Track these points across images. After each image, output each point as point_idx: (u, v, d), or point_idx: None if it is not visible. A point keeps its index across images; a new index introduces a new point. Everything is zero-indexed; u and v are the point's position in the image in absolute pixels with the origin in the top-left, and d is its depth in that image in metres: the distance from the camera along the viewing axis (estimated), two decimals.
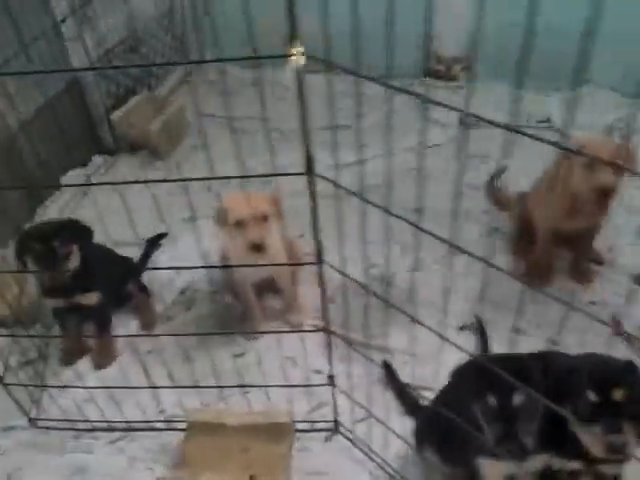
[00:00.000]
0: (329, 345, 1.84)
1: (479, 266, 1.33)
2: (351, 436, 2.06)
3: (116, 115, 3.42)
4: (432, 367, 1.73)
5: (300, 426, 2.08)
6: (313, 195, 1.44)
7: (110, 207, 3.14)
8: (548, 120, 3.60)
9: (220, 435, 1.99)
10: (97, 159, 3.48)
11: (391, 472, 1.96)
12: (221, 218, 2.24)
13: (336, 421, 2.09)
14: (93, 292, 2.26)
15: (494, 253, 2.74)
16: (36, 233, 2.13)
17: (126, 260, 2.63)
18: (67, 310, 2.31)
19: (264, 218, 2.18)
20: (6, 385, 2.06)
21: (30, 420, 2.20)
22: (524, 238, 2.63)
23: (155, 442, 2.14)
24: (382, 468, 1.97)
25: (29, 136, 2.88)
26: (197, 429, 2.02)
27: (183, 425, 2.11)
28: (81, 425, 2.18)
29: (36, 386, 2.21)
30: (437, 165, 3.29)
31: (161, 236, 2.92)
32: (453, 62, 3.92)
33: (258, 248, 2.14)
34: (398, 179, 3.33)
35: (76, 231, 2.18)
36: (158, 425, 2.17)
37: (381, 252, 1.76)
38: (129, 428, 2.16)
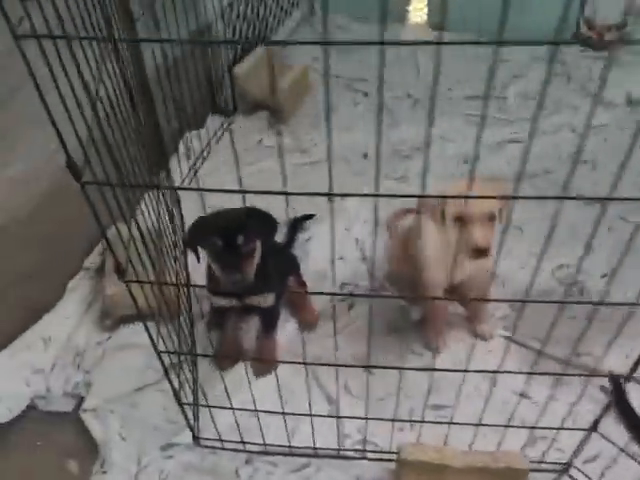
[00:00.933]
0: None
1: None
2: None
3: (240, 69, 2.97)
4: None
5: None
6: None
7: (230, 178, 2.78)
8: None
9: (439, 477, 1.67)
10: (214, 120, 3.06)
11: None
12: (433, 209, 1.86)
13: (568, 466, 1.77)
14: (271, 292, 1.90)
15: None
16: (215, 225, 1.75)
17: (286, 250, 2.27)
18: (235, 309, 1.96)
19: (492, 217, 1.79)
20: (179, 403, 1.73)
21: (194, 438, 1.88)
22: None
23: (347, 474, 1.82)
24: None
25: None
26: (410, 467, 1.70)
27: (375, 455, 1.81)
28: (254, 447, 1.86)
29: (201, 405, 1.86)
30: (602, 149, 2.89)
31: (307, 217, 2.53)
32: (606, 30, 3.45)
33: (482, 253, 1.77)
34: (555, 163, 3.01)
35: (261, 224, 1.80)
36: (348, 453, 1.85)
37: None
38: (313, 454, 1.84)
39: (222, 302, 1.91)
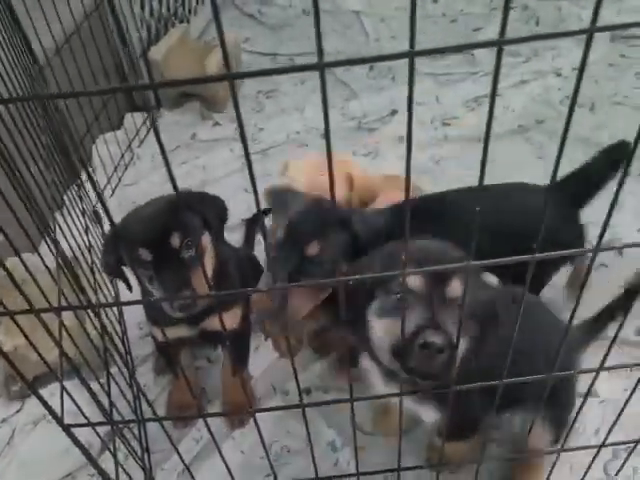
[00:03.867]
0: None
1: None
2: None
3: (156, 53, 2.42)
4: None
5: None
6: None
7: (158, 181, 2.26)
8: None
9: None
10: (133, 118, 2.48)
11: None
12: None
13: None
14: (235, 307, 1.35)
15: None
16: (135, 230, 1.20)
17: (247, 252, 1.73)
18: (187, 341, 1.40)
19: None
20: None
21: None
22: None
23: None
24: None
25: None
26: None
27: None
28: None
29: None
30: (590, 89, 2.50)
31: (263, 213, 1.99)
32: None
33: None
34: (545, 112, 2.59)
35: (203, 210, 1.26)
36: None
37: None
38: None
39: (170, 333, 1.33)
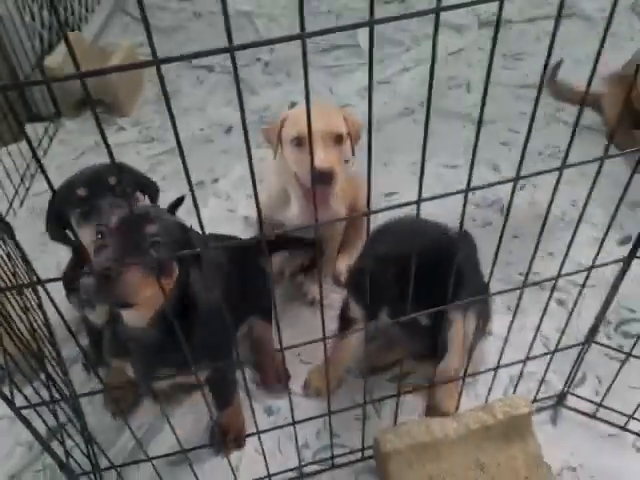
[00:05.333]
0: None
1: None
2: (586, 407, 1.50)
3: (52, 61, 2.41)
4: None
5: None
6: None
7: None
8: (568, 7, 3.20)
9: (437, 458, 1.33)
10: (33, 130, 2.46)
11: None
12: (271, 135, 1.61)
13: (563, 393, 1.51)
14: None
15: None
16: (79, 175, 1.32)
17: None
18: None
19: (338, 139, 1.54)
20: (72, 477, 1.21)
21: None
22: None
23: None
24: None
25: None
26: (396, 457, 1.33)
27: (345, 459, 1.43)
28: None
29: (104, 470, 1.33)
30: (465, 71, 2.78)
31: (179, 202, 2.05)
32: None
33: (325, 178, 1.48)
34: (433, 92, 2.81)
35: (142, 180, 1.38)
36: (311, 468, 1.44)
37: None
38: None
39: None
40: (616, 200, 1.05)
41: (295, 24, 3.07)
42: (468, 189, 0.88)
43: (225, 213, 2.13)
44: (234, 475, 1.29)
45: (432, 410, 1.53)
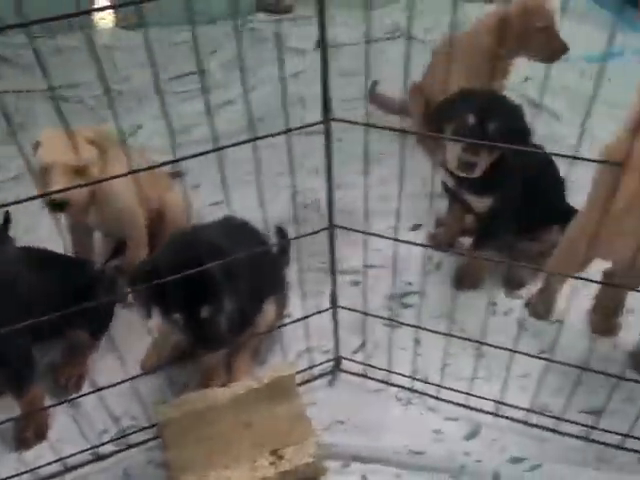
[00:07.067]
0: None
1: None
2: (357, 369, 1.71)
3: None
4: None
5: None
6: None
7: None
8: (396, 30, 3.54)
9: (209, 422, 1.50)
10: None
11: (418, 388, 1.66)
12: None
13: (337, 358, 1.72)
14: None
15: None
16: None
17: None
18: None
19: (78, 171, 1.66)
20: None
21: None
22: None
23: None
24: (408, 388, 1.66)
25: None
26: (174, 427, 1.49)
27: (139, 438, 1.58)
28: None
29: None
30: (304, 90, 3.05)
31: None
32: None
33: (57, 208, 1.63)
34: (273, 111, 3.06)
35: None
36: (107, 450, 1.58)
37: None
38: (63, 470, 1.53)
39: None
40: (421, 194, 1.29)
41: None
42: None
43: None
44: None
45: None
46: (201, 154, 1.23)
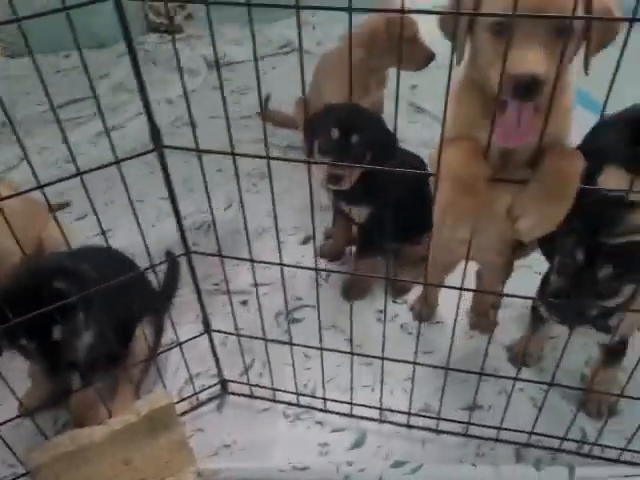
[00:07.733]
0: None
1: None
2: (245, 390, 1.70)
3: None
4: None
5: (181, 407, 1.64)
6: None
7: None
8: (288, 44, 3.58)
9: (86, 462, 1.44)
10: None
11: (305, 403, 1.66)
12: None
13: (223, 381, 1.70)
14: None
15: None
16: None
17: None
18: None
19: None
20: None
21: None
22: None
23: None
24: (295, 404, 1.66)
25: None
26: (46, 471, 1.42)
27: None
28: None
29: None
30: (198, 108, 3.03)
31: None
32: (174, 13, 3.63)
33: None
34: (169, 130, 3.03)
35: None
36: None
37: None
38: None
39: None
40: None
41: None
42: None
43: None
44: None
45: None
46: (60, 180, 1.18)
